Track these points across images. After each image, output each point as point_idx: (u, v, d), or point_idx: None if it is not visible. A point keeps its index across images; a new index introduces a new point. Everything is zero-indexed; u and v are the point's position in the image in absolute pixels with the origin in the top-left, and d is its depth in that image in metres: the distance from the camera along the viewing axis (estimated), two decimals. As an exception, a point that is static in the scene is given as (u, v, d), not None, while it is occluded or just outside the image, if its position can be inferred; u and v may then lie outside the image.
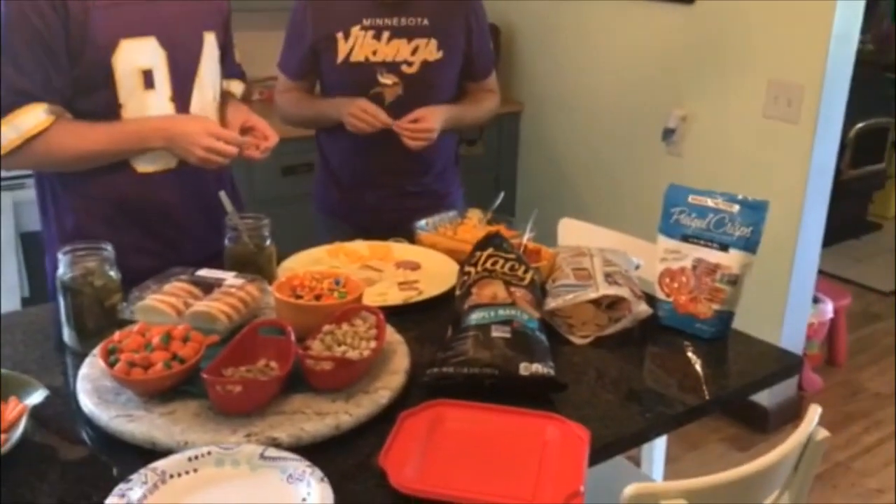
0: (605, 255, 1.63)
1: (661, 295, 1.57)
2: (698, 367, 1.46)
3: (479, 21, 2.20)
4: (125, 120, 1.61)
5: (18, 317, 1.71)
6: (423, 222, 1.92)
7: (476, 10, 2.20)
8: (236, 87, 1.92)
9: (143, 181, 1.66)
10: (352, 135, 2.13)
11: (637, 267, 1.69)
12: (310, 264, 1.73)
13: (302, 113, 2.22)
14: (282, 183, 3.11)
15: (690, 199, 1.54)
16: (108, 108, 1.59)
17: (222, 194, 1.58)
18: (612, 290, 1.48)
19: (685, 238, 1.54)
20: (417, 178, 2.21)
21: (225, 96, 1.85)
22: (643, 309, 1.50)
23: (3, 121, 1.52)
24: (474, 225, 1.95)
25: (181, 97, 1.67)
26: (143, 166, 1.65)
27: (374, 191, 2.19)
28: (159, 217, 1.70)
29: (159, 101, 1.64)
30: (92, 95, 1.58)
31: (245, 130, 1.73)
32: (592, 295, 1.48)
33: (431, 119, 2.07)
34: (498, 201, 2.00)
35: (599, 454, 1.20)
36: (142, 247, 1.66)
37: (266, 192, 3.04)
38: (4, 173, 2.55)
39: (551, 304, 1.49)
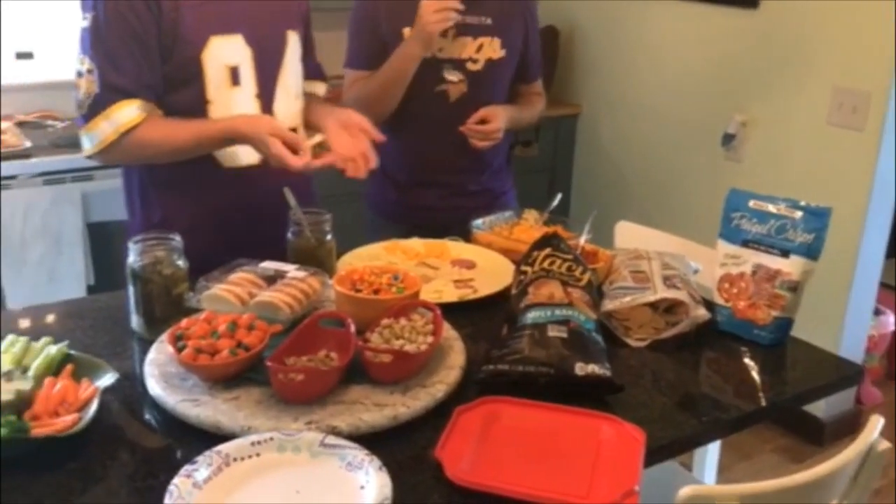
0: (664, 259, 1.62)
1: (719, 300, 1.56)
2: (755, 374, 1.45)
3: (534, 23, 2.23)
4: (208, 119, 1.65)
5: (89, 302, 1.77)
6: (478, 221, 1.94)
7: (532, 12, 2.22)
8: (319, 87, 1.96)
9: (229, 176, 1.71)
10: (409, 134, 2.15)
11: (695, 271, 1.68)
12: (367, 260, 1.75)
13: (372, 87, 2.11)
14: (338, 182, 3.14)
15: (752, 203, 1.53)
16: (197, 104, 1.64)
17: (286, 190, 1.62)
18: (670, 294, 1.48)
19: (745, 243, 1.53)
20: (474, 177, 2.23)
21: (309, 97, 1.89)
22: (701, 313, 1.49)
23: (100, 116, 1.57)
24: (530, 225, 1.96)
25: (265, 94, 1.72)
26: (229, 162, 1.70)
27: (430, 190, 2.20)
28: (242, 209, 1.74)
29: (245, 98, 1.69)
30: (181, 91, 1.63)
31: (349, 127, 1.72)
32: (650, 298, 1.48)
33: (497, 119, 2.09)
34: (555, 202, 2.00)
35: (653, 456, 1.20)
36: (222, 239, 1.69)
37: (324, 191, 3.08)
38: (73, 165, 2.64)
39: (608, 305, 1.49)
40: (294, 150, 1.57)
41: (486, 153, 2.17)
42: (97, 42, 1.57)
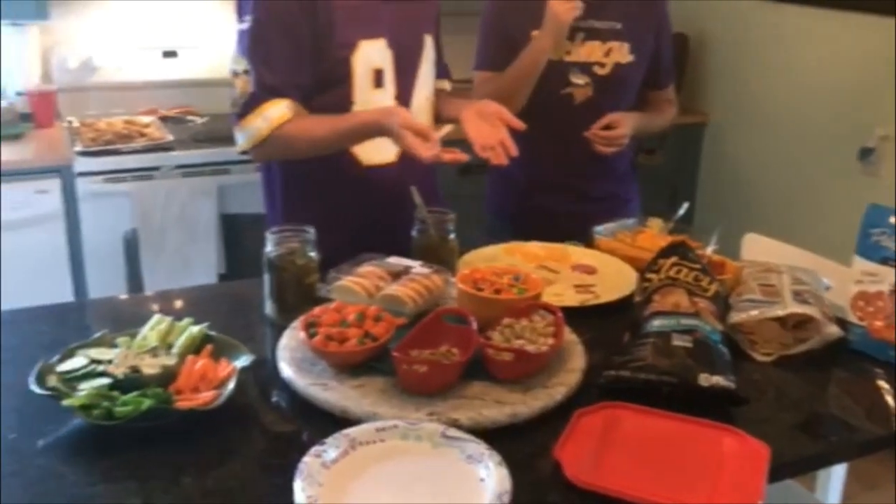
0: (795, 273, 1.57)
1: (853, 318, 1.50)
2: (889, 397, 1.39)
3: (666, 28, 2.20)
4: (346, 114, 1.71)
5: (225, 288, 1.88)
6: (601, 227, 1.92)
7: (665, 17, 2.20)
8: (446, 85, 2.01)
9: (367, 172, 1.78)
10: (531, 137, 2.16)
11: (827, 288, 1.62)
12: (487, 261, 1.77)
13: (502, 84, 2.09)
14: (458, 183, 3.19)
15: (892, 220, 1.47)
16: (342, 105, 1.72)
17: (413, 189, 1.66)
18: (801, 309, 1.43)
19: (884, 261, 1.47)
20: (597, 183, 2.22)
21: (437, 93, 1.94)
22: (833, 331, 1.44)
23: (253, 114, 1.66)
24: (655, 234, 1.93)
25: (403, 96, 1.78)
26: (368, 159, 1.77)
27: (551, 194, 2.20)
28: (375, 205, 1.81)
29: (385, 99, 1.75)
30: (329, 92, 1.71)
31: (486, 116, 1.74)
32: (780, 312, 1.44)
33: (623, 125, 2.08)
34: (682, 211, 1.97)
35: (776, 473, 1.16)
36: (353, 230, 1.77)
37: (445, 191, 3.12)
38: (211, 159, 2.78)
39: (735, 318, 1.46)
40: (425, 141, 1.59)
41: (609, 159, 2.16)
42: (255, 44, 1.65)
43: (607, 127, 2.08)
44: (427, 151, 1.58)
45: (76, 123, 2.95)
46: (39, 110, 2.94)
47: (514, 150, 1.68)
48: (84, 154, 2.68)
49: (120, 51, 3.13)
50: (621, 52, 2.11)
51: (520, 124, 1.73)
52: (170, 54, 3.19)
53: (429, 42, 1.83)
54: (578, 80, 2.11)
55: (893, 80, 2.80)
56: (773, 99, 3.28)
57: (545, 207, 2.20)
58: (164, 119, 3.11)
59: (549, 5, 2.00)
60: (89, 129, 2.88)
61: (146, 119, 3.04)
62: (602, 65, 2.10)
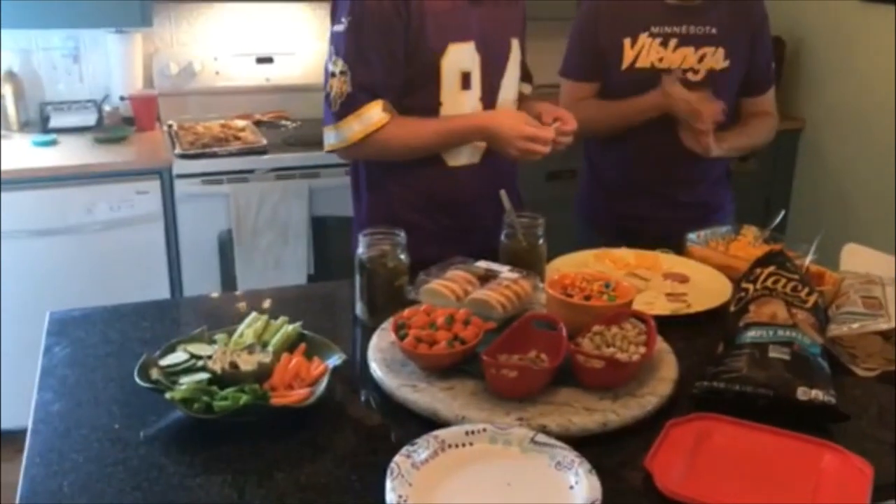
0: (899, 286, 1.51)
1: (961, 334, 1.43)
2: None
3: (764, 32, 2.14)
4: (450, 117, 1.75)
5: (317, 289, 1.93)
6: (693, 235, 1.89)
7: (763, 21, 2.14)
8: (526, 88, 2.02)
9: (451, 174, 1.81)
10: (623, 142, 2.14)
11: (933, 302, 1.55)
12: (576, 267, 1.75)
13: (599, 120, 2.11)
14: (546, 188, 3.18)
15: None
16: (430, 106, 1.75)
17: (502, 193, 1.66)
18: (906, 323, 1.38)
19: None
20: (689, 189, 2.17)
21: (519, 97, 1.95)
22: (941, 347, 1.38)
23: (352, 115, 1.71)
24: (749, 242, 1.88)
25: (489, 98, 1.81)
26: (453, 160, 1.80)
27: (641, 199, 2.17)
28: (459, 207, 1.84)
29: (471, 101, 1.78)
30: (418, 94, 1.74)
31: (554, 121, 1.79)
32: (883, 326, 1.38)
33: (709, 114, 2.01)
34: (778, 219, 1.92)
35: (878, 493, 1.12)
36: (439, 234, 1.80)
37: (531, 196, 3.12)
38: (303, 162, 2.85)
39: (835, 330, 1.41)
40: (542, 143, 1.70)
41: (703, 165, 2.12)
42: (351, 45, 1.69)
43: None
44: (545, 148, 1.69)
45: (175, 127, 3.06)
46: (141, 114, 3.07)
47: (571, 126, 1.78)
48: (183, 157, 2.78)
49: (218, 57, 3.23)
50: (715, 58, 2.06)
51: (572, 129, 1.80)
52: (264, 60, 3.28)
53: (515, 45, 1.85)
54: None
55: None
56: (870, 104, 3.16)
57: (636, 213, 2.17)
58: (258, 123, 3.19)
59: (671, 105, 2.01)
60: (188, 133, 2.98)
61: (241, 123, 3.13)
62: (695, 71, 2.07)
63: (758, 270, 1.45)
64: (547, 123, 1.77)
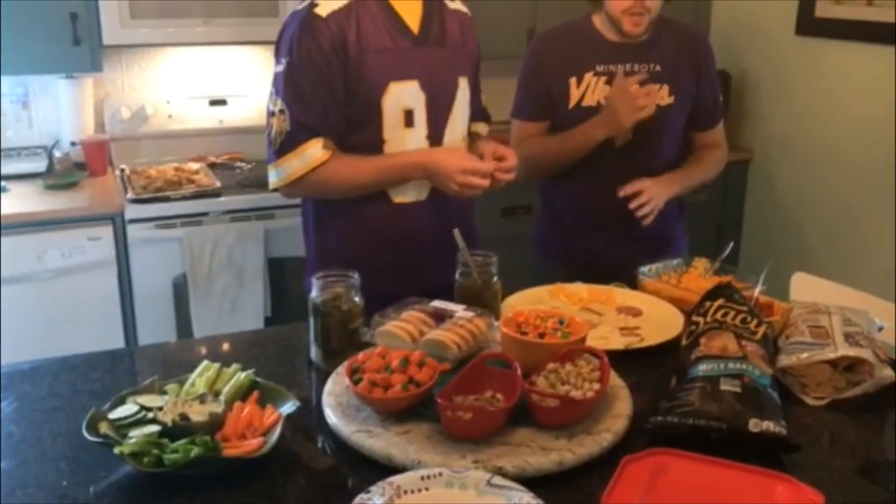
0: (846, 314, 1.54)
1: (907, 360, 1.46)
2: (949, 443, 1.35)
3: (708, 67, 2.19)
4: (390, 154, 1.78)
5: (271, 333, 1.90)
6: (646, 268, 1.91)
7: (706, 56, 2.19)
8: (482, 128, 2.05)
9: (398, 211, 1.82)
10: (575, 179, 2.17)
11: (880, 329, 1.59)
12: (531, 303, 1.77)
13: (549, 154, 2.15)
14: (501, 223, 3.21)
15: (947, 259, 1.43)
16: (373, 144, 1.77)
17: (456, 232, 1.67)
18: (852, 352, 1.40)
19: (939, 301, 1.43)
20: (642, 224, 2.20)
21: (473, 136, 1.98)
22: (887, 374, 1.40)
23: (291, 153, 1.73)
24: (700, 274, 1.91)
25: (435, 135, 1.83)
26: (399, 197, 1.81)
27: (595, 234, 2.19)
28: (408, 244, 1.84)
29: (417, 138, 1.80)
30: (360, 131, 1.77)
31: (497, 160, 1.81)
32: (831, 355, 1.41)
33: (649, 192, 2.05)
34: (727, 251, 1.95)
35: (832, 523, 1.14)
36: (389, 271, 1.80)
37: (485, 232, 3.13)
38: (258, 203, 2.83)
39: (784, 361, 1.44)
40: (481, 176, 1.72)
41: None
42: (290, 84, 1.72)
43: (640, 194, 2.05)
44: (484, 181, 1.70)
45: (128, 171, 3.03)
46: (93, 159, 3.03)
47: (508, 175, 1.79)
48: (135, 201, 2.75)
49: (170, 100, 3.22)
50: (661, 95, 2.10)
51: (511, 164, 1.81)
52: (218, 102, 3.27)
53: (463, 85, 1.87)
54: None
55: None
56: (816, 134, 3.25)
57: (591, 248, 2.20)
58: (212, 166, 3.18)
59: (617, 100, 2.03)
60: (140, 177, 2.96)
61: (195, 166, 3.11)
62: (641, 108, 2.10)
63: (707, 303, 1.47)
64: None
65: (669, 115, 2.12)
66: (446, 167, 1.72)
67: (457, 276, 1.67)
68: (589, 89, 2.11)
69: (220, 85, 3.29)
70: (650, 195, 2.06)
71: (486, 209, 3.14)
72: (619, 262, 2.00)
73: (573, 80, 2.11)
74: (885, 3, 2.88)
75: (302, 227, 1.95)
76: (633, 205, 2.05)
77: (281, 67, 1.74)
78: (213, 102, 3.27)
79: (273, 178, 1.79)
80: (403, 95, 1.77)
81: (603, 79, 2.10)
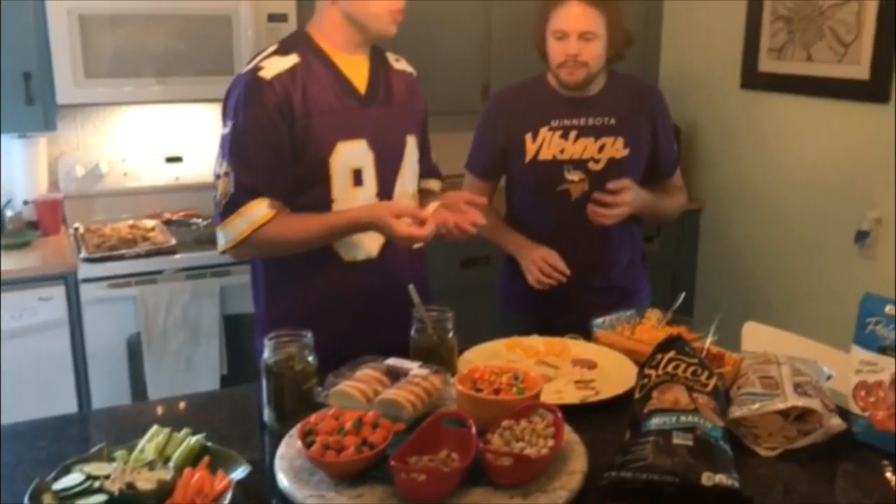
0: (794, 364, 1.57)
1: (855, 409, 1.48)
2: (899, 490, 1.37)
3: (663, 118, 2.25)
4: (332, 212, 1.78)
5: (225, 394, 1.87)
6: (599, 320, 1.92)
7: (661, 108, 2.24)
8: (434, 184, 2.07)
9: (349, 269, 1.82)
10: (534, 231, 2.19)
11: (829, 377, 1.61)
12: (488, 357, 1.77)
13: (486, 235, 2.20)
14: (461, 275, 3.22)
15: (888, 309, 1.47)
16: (322, 203, 1.78)
17: (411, 287, 1.68)
18: (801, 402, 1.42)
19: (882, 350, 1.46)
20: (602, 274, 2.22)
21: (424, 193, 1.99)
22: (836, 423, 1.42)
23: (234, 214, 1.72)
24: (653, 325, 1.93)
25: (385, 193, 1.84)
26: (349, 255, 1.81)
27: (561, 287, 2.18)
28: (361, 303, 1.84)
29: (366, 197, 1.81)
30: (309, 192, 1.77)
31: (450, 206, 1.81)
32: (780, 405, 1.43)
33: (629, 193, 2.07)
34: (678, 302, 1.97)
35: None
36: (342, 331, 1.79)
37: (445, 283, 3.15)
38: (213, 261, 2.81)
39: (736, 412, 1.45)
40: (419, 221, 1.69)
41: (613, 248, 2.18)
42: (235, 147, 1.73)
43: (617, 192, 2.07)
44: (422, 233, 1.66)
45: (82, 230, 3.00)
46: (45, 218, 2.99)
47: (479, 219, 1.77)
48: (89, 260, 2.71)
49: (126, 157, 3.20)
50: (616, 147, 2.14)
51: (481, 200, 1.83)
52: (174, 159, 3.26)
53: (411, 143, 1.90)
54: (573, 176, 2.15)
55: (885, 162, 2.84)
56: (764, 183, 3.33)
57: (552, 300, 2.19)
58: (168, 222, 3.15)
59: (530, 252, 2.12)
60: (94, 235, 2.92)
61: (150, 223, 3.08)
62: (596, 160, 2.14)
63: (659, 356, 1.49)
64: (460, 206, 1.79)
65: (625, 167, 2.16)
66: (381, 216, 1.70)
67: (412, 332, 1.67)
68: (545, 144, 2.15)
69: (176, 142, 3.29)
70: (626, 199, 2.07)
71: (446, 260, 3.17)
72: (583, 314, 2.00)
73: (528, 136, 2.15)
74: (824, 59, 2.99)
75: (251, 288, 1.94)
76: (607, 198, 2.06)
77: (227, 130, 1.75)
78: (170, 159, 3.26)
79: (220, 239, 1.78)
80: (351, 155, 1.78)
81: (558, 133, 2.14)
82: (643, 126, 2.19)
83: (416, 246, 1.82)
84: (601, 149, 2.15)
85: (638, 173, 2.21)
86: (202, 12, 2.87)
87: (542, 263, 2.12)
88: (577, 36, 2.05)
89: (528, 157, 2.17)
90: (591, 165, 2.15)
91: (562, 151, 2.15)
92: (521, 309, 2.29)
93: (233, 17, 2.88)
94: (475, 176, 2.31)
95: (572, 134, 2.15)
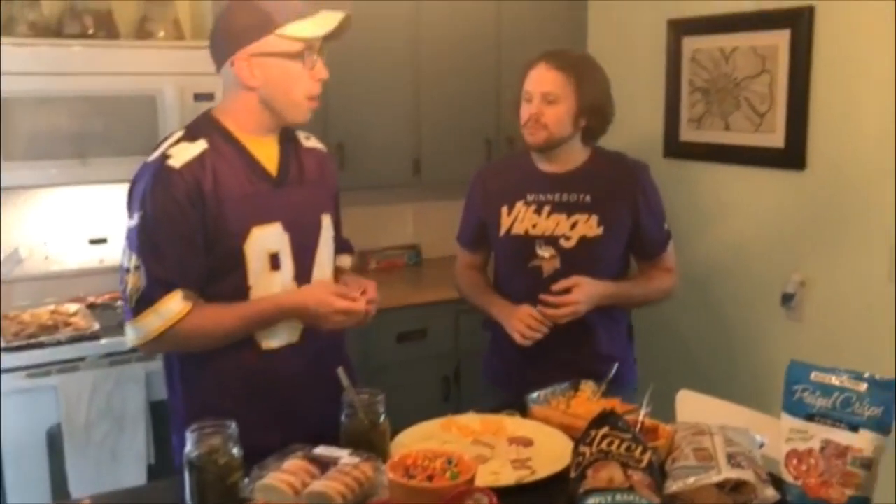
0: (727, 434, 1.57)
1: (788, 478, 1.49)
2: (836, 559, 1.36)
3: (647, 198, 2.22)
4: (254, 300, 1.72)
5: (149, 490, 1.79)
6: (535, 395, 1.90)
7: (645, 188, 2.22)
8: (346, 260, 2.04)
9: (269, 357, 1.76)
10: (514, 304, 2.18)
11: (761, 445, 1.62)
12: (423, 439, 1.74)
13: (471, 300, 2.31)
14: (397, 350, 3.18)
15: (813, 376, 1.49)
16: (238, 291, 1.72)
17: (340, 371, 1.64)
18: (735, 474, 1.42)
19: (810, 417, 1.48)
20: (579, 351, 2.17)
21: (337, 270, 1.97)
22: (770, 494, 1.42)
23: (149, 310, 1.65)
24: (588, 398, 1.92)
25: (302, 276, 1.80)
26: (268, 343, 1.75)
27: (535, 363, 2.15)
28: (283, 391, 1.78)
29: (283, 281, 1.76)
30: (224, 280, 1.72)
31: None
32: (715, 478, 1.42)
33: (580, 291, 2.07)
34: (612, 373, 1.98)
35: None
36: (265, 421, 1.73)
37: (382, 359, 3.12)
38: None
39: (672, 487, 1.44)
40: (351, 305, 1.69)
41: (592, 329, 2.16)
42: (145, 239, 1.66)
43: (568, 290, 2.08)
44: (360, 306, 1.66)
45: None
46: (-40, 306, 2.87)
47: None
48: (5, 350, 2.59)
49: (47, 241, 3.11)
50: (589, 225, 2.14)
51: (371, 296, 1.81)
52: (98, 241, 3.18)
53: (326, 222, 1.87)
54: (544, 252, 2.15)
55: (806, 226, 2.93)
56: (693, 251, 3.38)
57: (532, 378, 2.04)
58: (91, 306, 3.05)
59: (512, 313, 2.12)
60: (13, 323, 2.80)
61: (73, 307, 2.98)
62: (567, 237, 2.14)
63: (593, 432, 1.47)
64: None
65: (598, 246, 2.15)
66: (312, 301, 1.68)
67: (342, 417, 1.63)
68: (518, 217, 2.17)
69: (100, 223, 3.21)
70: (578, 298, 2.06)
71: (382, 335, 3.13)
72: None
73: (505, 209, 2.18)
74: (741, 128, 3.09)
75: (165, 381, 1.86)
76: (556, 299, 2.06)
77: (134, 222, 1.68)
78: (94, 241, 3.18)
79: (132, 336, 1.70)
80: (267, 239, 1.74)
81: (533, 207, 2.16)
82: (622, 205, 2.17)
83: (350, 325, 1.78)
84: (573, 226, 2.15)
85: (614, 254, 2.20)
86: (126, 93, 2.84)
87: (524, 317, 2.09)
88: (540, 97, 2.10)
89: (503, 230, 2.19)
90: (563, 242, 2.15)
91: (534, 226, 2.16)
92: (505, 385, 2.22)
93: (157, 97, 2.86)
94: (462, 247, 2.36)
95: (546, 209, 2.16)
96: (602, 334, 2.22)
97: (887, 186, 2.65)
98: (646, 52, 3.34)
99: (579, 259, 2.13)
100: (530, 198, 2.17)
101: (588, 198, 2.15)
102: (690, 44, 3.24)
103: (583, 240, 2.13)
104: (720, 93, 3.15)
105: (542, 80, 2.10)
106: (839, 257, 2.82)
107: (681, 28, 3.27)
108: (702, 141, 3.25)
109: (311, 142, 1.93)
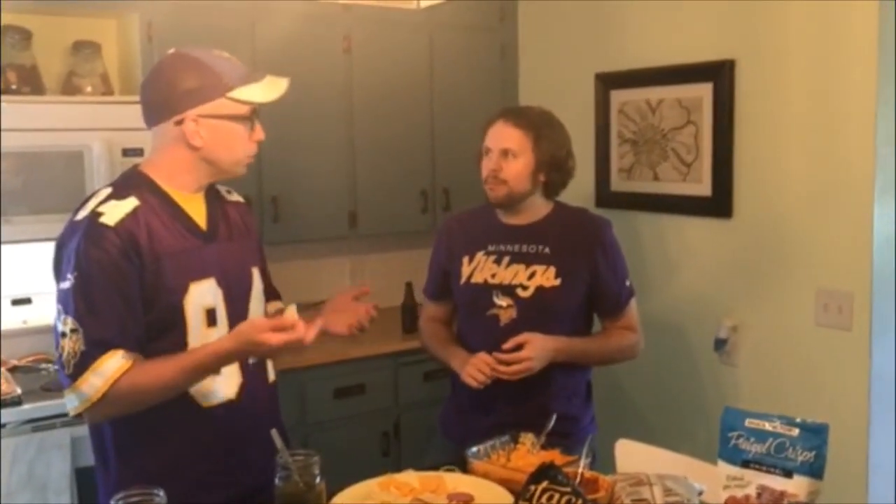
0: (666, 483, 1.57)
1: (727, 525, 1.49)
2: None
3: (606, 255, 2.23)
4: (194, 350, 1.68)
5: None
6: (474, 449, 1.87)
7: (605, 245, 2.23)
8: (276, 306, 2.01)
9: (207, 415, 1.72)
10: (472, 353, 2.17)
11: (700, 493, 1.62)
12: (360, 499, 1.69)
13: (432, 351, 2.32)
14: (334, 405, 3.13)
15: (748, 422, 1.51)
16: (177, 348, 1.68)
17: (274, 432, 1.59)
18: (674, 524, 1.42)
19: (746, 463, 1.49)
20: (534, 404, 2.14)
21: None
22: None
23: (88, 371, 1.59)
24: (528, 450, 1.91)
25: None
26: (207, 401, 1.72)
27: (489, 416, 2.14)
28: (219, 449, 1.74)
29: (220, 336, 1.71)
30: (162, 337, 1.67)
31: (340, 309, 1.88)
32: (654, 530, 1.41)
33: (532, 348, 2.06)
34: (551, 424, 1.96)
35: None
36: (203, 481, 1.69)
37: (318, 415, 3.06)
38: (64, 410, 2.60)
39: (612, 540, 1.43)
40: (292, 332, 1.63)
41: (550, 384, 2.15)
42: (80, 300, 1.61)
43: (521, 347, 2.07)
44: (297, 333, 1.59)
45: (-88, 385, 2.74)
46: None
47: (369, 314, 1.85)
48: (-81, 419, 2.47)
49: (-34, 302, 2.99)
50: (546, 276, 2.16)
51: (363, 289, 1.89)
52: (21, 301, 3.07)
53: (256, 274, 1.87)
54: (501, 301, 2.17)
55: (735, 273, 3.00)
56: (641, 303, 3.42)
57: (485, 430, 2.00)
58: (14, 370, 2.93)
59: (464, 362, 2.12)
60: (-74, 390, 2.67)
61: (-6, 372, 2.86)
62: (525, 287, 2.16)
63: (532, 487, 1.46)
64: None
65: (555, 298, 2.16)
66: (250, 335, 1.61)
67: (276, 479, 1.58)
68: (478, 267, 2.20)
69: (23, 283, 3.09)
70: (530, 354, 2.06)
71: (319, 391, 3.07)
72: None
73: (466, 259, 2.21)
74: (669, 178, 3.17)
75: (95, 455, 1.78)
76: (508, 357, 2.06)
77: (68, 283, 1.62)
78: (16, 302, 3.06)
79: (74, 402, 1.63)
80: (203, 295, 1.72)
81: (493, 257, 2.19)
82: (581, 259, 2.19)
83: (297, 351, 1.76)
84: (531, 276, 2.17)
85: (570, 306, 2.21)
86: (53, 149, 2.77)
87: (477, 362, 2.09)
88: (498, 153, 2.14)
89: (463, 278, 2.21)
90: (520, 292, 2.16)
91: (493, 276, 2.18)
92: (456, 437, 2.19)
93: (85, 152, 2.80)
94: (428, 298, 2.36)
95: (505, 259, 2.19)
96: (557, 391, 2.21)
97: (811, 232, 2.73)
98: (576, 105, 3.41)
99: (536, 309, 2.14)
100: (491, 248, 2.21)
101: (547, 249, 2.18)
102: (618, 97, 3.33)
103: (540, 290, 2.15)
104: (648, 144, 3.23)
105: (501, 137, 2.15)
106: (768, 301, 2.89)
107: (608, 81, 3.36)
108: (632, 191, 3.32)
109: (232, 196, 1.93)
